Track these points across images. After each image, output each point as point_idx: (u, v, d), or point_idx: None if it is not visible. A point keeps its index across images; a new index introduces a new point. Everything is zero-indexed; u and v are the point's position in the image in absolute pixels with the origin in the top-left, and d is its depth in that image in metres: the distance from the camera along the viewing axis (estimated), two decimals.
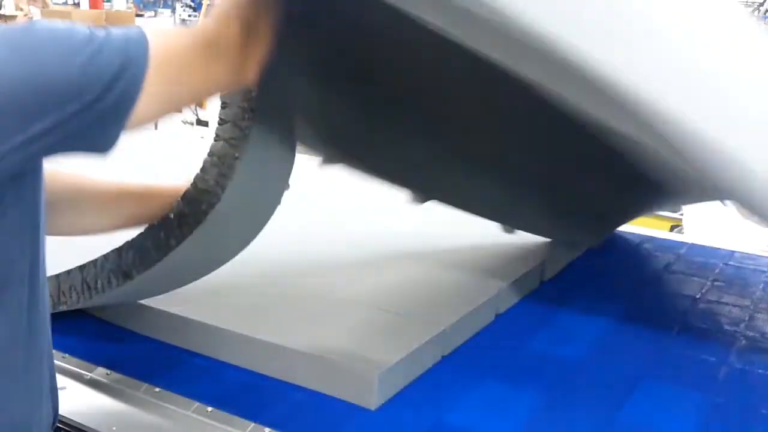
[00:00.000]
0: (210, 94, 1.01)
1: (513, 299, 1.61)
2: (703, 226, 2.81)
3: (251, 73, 0.98)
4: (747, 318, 1.62)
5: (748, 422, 1.22)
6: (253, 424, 1.12)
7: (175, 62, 0.87)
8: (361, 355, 1.23)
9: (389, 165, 1.55)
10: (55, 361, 1.29)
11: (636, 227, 2.39)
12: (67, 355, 1.31)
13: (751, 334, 1.54)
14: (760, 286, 1.82)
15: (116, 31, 0.81)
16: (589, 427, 1.18)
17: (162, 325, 1.38)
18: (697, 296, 1.73)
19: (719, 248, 2.10)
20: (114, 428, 1.12)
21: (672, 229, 3.14)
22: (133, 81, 0.80)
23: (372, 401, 1.18)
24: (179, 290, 1.41)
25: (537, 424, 1.17)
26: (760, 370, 1.39)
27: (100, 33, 0.79)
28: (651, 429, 1.17)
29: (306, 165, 1.41)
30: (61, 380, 1.23)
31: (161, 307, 1.38)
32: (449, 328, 1.37)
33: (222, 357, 1.31)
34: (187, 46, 0.90)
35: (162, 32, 0.87)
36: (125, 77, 0.79)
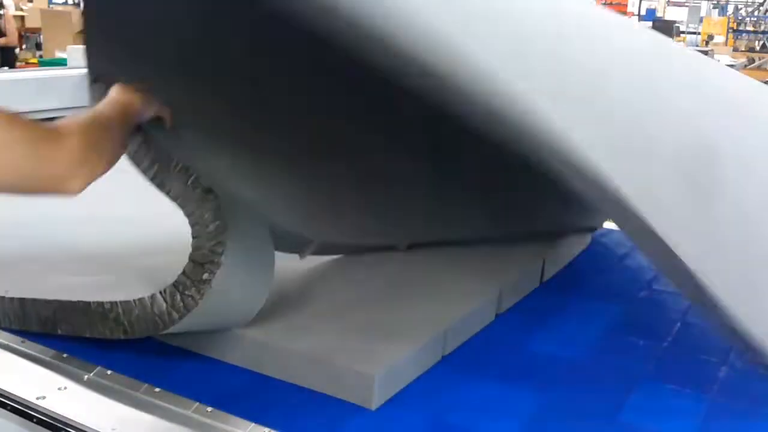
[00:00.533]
0: (24, 190, 1.02)
1: (513, 299, 1.61)
2: None
3: (77, 187, 1.01)
4: None
5: (748, 422, 1.22)
6: (253, 424, 1.12)
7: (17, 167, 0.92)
8: (361, 356, 1.23)
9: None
10: (56, 361, 1.30)
11: None
12: (67, 355, 1.31)
13: None
14: None
15: None
16: (588, 427, 1.18)
17: None
18: None
19: None
20: (114, 428, 1.12)
21: None
22: None
23: (372, 401, 1.18)
24: None
25: (537, 424, 1.17)
26: (760, 371, 1.39)
27: None
28: (651, 429, 1.17)
29: None
30: (61, 380, 1.24)
31: None
32: (449, 328, 1.37)
33: (222, 358, 1.31)
34: (15, 139, 0.93)
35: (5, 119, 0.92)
36: None
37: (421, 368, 1.30)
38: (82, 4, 1.52)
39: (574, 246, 1.93)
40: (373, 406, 1.18)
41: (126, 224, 1.79)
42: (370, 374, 1.18)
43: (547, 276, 1.77)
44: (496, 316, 1.55)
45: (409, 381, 1.26)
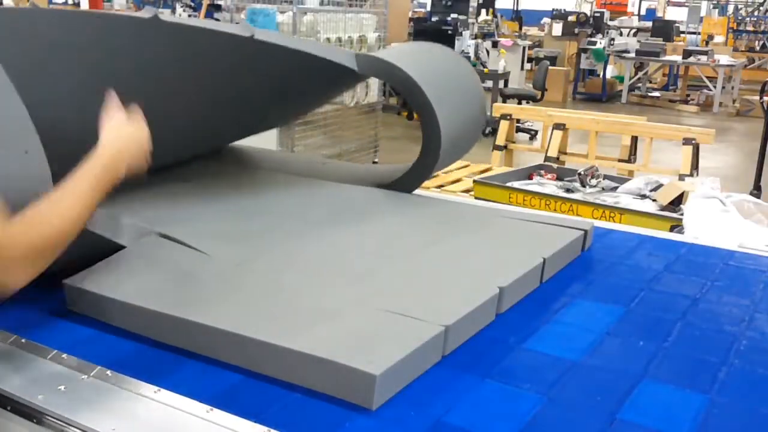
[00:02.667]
0: None
1: (513, 299, 1.61)
2: (703, 226, 2.81)
3: (17, 282, 1.09)
4: (747, 318, 1.62)
5: (748, 422, 1.22)
6: (253, 424, 1.12)
7: None
8: (361, 356, 1.23)
9: None
10: (56, 361, 1.30)
11: (636, 227, 2.39)
12: (67, 355, 1.31)
13: (751, 334, 1.54)
14: (760, 286, 1.82)
15: None
16: (588, 427, 1.18)
17: (163, 326, 1.38)
18: (697, 296, 1.73)
19: (719, 248, 2.10)
20: (114, 428, 1.12)
21: (672, 229, 3.13)
22: None
23: (372, 401, 1.18)
24: (179, 292, 1.40)
25: (537, 424, 1.17)
26: (760, 370, 1.39)
27: None
28: (651, 429, 1.17)
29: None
30: (61, 380, 1.24)
31: (161, 310, 1.38)
32: (449, 328, 1.37)
33: (222, 358, 1.31)
34: None
35: None
36: None
37: (421, 368, 1.30)
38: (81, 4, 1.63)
39: (574, 247, 1.93)
40: (374, 406, 1.18)
41: None
42: (370, 374, 1.18)
43: (547, 276, 1.77)
44: (496, 316, 1.55)
45: (410, 381, 1.26)
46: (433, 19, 10.94)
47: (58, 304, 1.51)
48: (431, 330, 1.34)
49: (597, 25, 14.37)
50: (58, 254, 1.15)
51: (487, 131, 9.83)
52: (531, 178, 4.71)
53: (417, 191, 2.32)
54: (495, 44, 11.22)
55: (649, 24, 17.40)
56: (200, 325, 1.34)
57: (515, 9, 21.22)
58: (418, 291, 1.53)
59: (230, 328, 1.31)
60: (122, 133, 1.31)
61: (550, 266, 1.78)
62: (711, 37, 16.72)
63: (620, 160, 5.83)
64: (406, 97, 2.42)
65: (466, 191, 4.79)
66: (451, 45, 10.23)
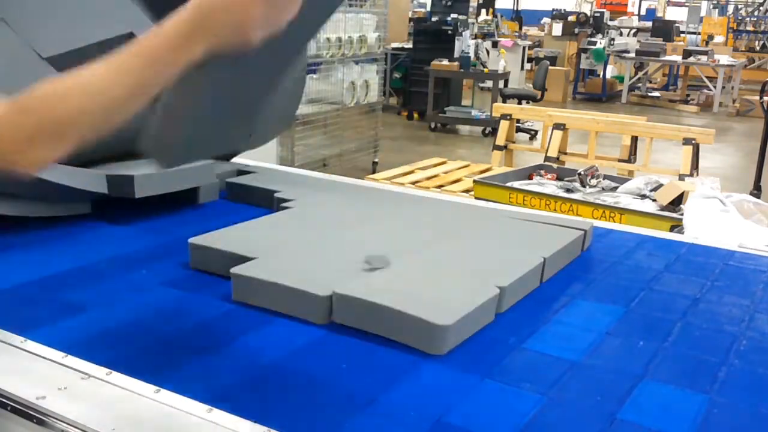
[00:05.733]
0: None
1: (513, 299, 1.61)
2: (703, 226, 2.81)
3: (29, 168, 0.94)
4: (747, 318, 1.62)
5: (748, 422, 1.22)
6: (253, 424, 1.12)
7: None
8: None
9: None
10: (56, 361, 1.30)
11: (636, 227, 2.39)
12: (67, 355, 1.31)
13: (751, 334, 1.54)
14: (760, 286, 1.82)
15: None
16: (588, 427, 1.18)
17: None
18: (697, 296, 1.73)
19: (719, 248, 2.10)
20: (114, 428, 1.12)
21: (672, 229, 3.13)
22: None
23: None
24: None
25: (537, 424, 1.17)
26: (760, 370, 1.39)
27: None
28: (651, 429, 1.17)
29: None
30: (61, 380, 1.24)
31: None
32: (450, 327, 1.37)
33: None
34: None
35: None
36: None
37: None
38: None
39: (574, 246, 1.93)
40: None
41: None
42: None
43: (547, 276, 1.77)
44: (496, 316, 1.55)
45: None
46: (433, 19, 10.94)
47: (58, 303, 1.52)
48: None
49: (597, 25, 14.40)
50: (96, 132, 0.95)
51: (487, 131, 9.85)
52: (531, 178, 4.71)
53: (417, 191, 2.32)
54: (495, 44, 11.23)
55: (649, 24, 17.42)
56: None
57: (515, 9, 21.24)
58: (418, 290, 1.53)
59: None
60: None
61: (550, 266, 1.78)
62: (711, 37, 16.74)
63: (620, 160, 5.83)
64: None
65: (466, 191, 4.79)
66: (451, 45, 10.25)
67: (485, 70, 10.17)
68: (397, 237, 1.87)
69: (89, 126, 0.95)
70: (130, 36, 2.14)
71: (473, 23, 12.05)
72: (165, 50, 0.93)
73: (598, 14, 14.84)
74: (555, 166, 4.98)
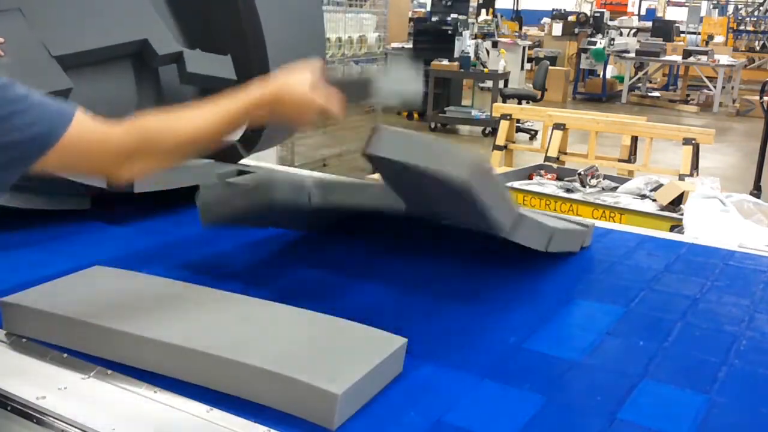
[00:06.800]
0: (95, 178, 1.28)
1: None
2: (703, 226, 2.81)
3: (124, 178, 1.18)
4: (747, 318, 1.62)
5: (748, 422, 1.22)
6: (253, 424, 1.12)
7: (78, 152, 1.11)
8: (355, 355, 1.23)
9: None
10: (56, 361, 1.30)
11: (636, 227, 2.39)
12: (67, 355, 1.31)
13: (751, 334, 1.54)
14: (760, 286, 1.82)
15: (51, 103, 1.09)
16: (588, 427, 1.18)
17: (116, 344, 1.30)
18: (697, 296, 1.73)
19: (719, 248, 2.10)
20: (114, 428, 1.12)
21: (672, 229, 3.13)
22: (38, 149, 1.06)
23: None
24: (133, 308, 1.36)
25: (536, 424, 1.17)
26: (760, 370, 1.39)
27: (36, 97, 1.07)
28: (651, 429, 1.17)
29: None
30: (61, 380, 1.24)
31: (119, 327, 1.30)
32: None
33: (181, 377, 1.25)
34: (100, 143, 1.13)
35: (88, 123, 1.12)
36: (34, 143, 1.06)
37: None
38: None
39: (579, 237, 1.93)
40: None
41: None
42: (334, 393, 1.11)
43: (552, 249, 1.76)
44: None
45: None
46: (433, 19, 10.93)
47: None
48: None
49: (597, 25, 14.38)
50: (180, 160, 1.25)
51: (487, 131, 9.85)
52: (531, 178, 4.71)
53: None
54: (495, 44, 11.23)
55: (649, 24, 17.40)
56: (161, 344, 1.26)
57: (515, 9, 21.23)
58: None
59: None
60: (298, 78, 1.29)
61: (555, 242, 1.75)
62: (711, 37, 16.72)
63: (620, 160, 5.83)
64: None
65: None
66: (451, 45, 10.24)
67: (485, 70, 10.16)
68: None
69: (187, 150, 1.24)
70: (144, 42, 2.13)
71: (473, 23, 12.04)
72: (243, 114, 1.26)
73: (598, 14, 14.82)
74: (555, 166, 4.98)
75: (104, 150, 1.14)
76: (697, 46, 15.16)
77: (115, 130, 1.15)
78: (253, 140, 2.53)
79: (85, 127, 1.11)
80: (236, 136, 1.79)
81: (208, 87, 2.33)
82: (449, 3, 10.83)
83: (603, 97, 13.37)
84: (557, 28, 15.16)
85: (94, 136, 1.13)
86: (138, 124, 1.18)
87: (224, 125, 1.25)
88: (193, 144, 1.23)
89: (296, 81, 1.28)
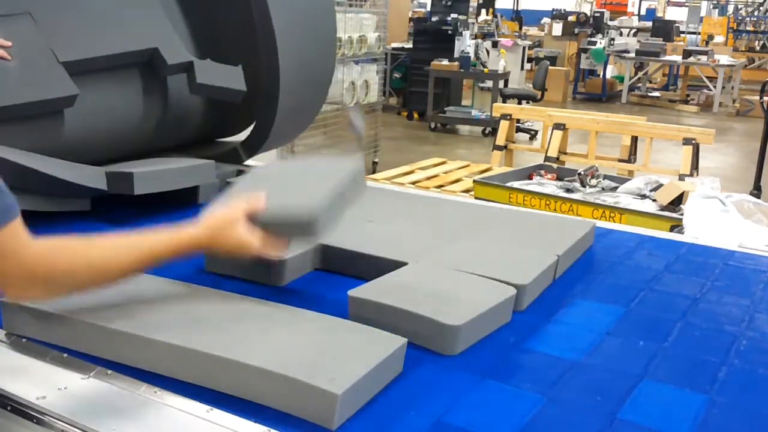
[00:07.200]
0: None
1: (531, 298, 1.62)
2: (703, 226, 2.81)
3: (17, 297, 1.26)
4: (747, 318, 1.62)
5: (748, 422, 1.22)
6: (253, 424, 1.12)
7: None
8: (353, 355, 1.23)
9: None
10: (56, 361, 1.30)
11: (636, 227, 2.39)
12: (67, 355, 1.31)
13: (751, 334, 1.54)
14: (760, 286, 1.82)
15: (3, 197, 1.12)
16: (588, 427, 1.18)
17: (116, 344, 1.30)
18: (697, 296, 1.73)
19: (719, 248, 2.10)
20: (114, 428, 1.12)
21: (672, 229, 3.13)
22: None
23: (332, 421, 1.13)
24: (133, 308, 1.36)
25: (537, 424, 1.17)
26: (760, 370, 1.39)
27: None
28: (651, 429, 1.17)
29: None
30: (61, 380, 1.24)
31: (119, 327, 1.30)
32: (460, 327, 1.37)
33: (181, 377, 1.25)
34: (14, 257, 1.12)
35: (20, 236, 1.13)
36: None
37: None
38: None
39: (584, 242, 1.93)
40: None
41: None
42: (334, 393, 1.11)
43: (560, 273, 1.77)
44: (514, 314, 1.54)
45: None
46: (433, 19, 10.93)
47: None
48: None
49: (597, 25, 14.39)
50: (86, 292, 1.25)
51: (487, 131, 9.85)
52: (531, 178, 4.72)
53: (416, 191, 2.32)
54: (495, 44, 11.23)
55: (649, 24, 17.41)
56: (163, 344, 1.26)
57: (515, 9, 21.23)
58: (434, 291, 1.51)
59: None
60: (231, 221, 1.31)
61: (563, 263, 1.78)
62: (711, 37, 16.73)
63: (620, 160, 5.83)
64: None
65: (466, 191, 4.79)
66: (451, 45, 10.25)
67: (485, 70, 10.16)
68: (407, 237, 1.85)
69: (85, 288, 1.24)
70: (155, 51, 2.11)
71: (473, 23, 12.05)
72: (169, 257, 1.28)
73: (598, 14, 14.83)
74: (555, 166, 4.98)
75: (14, 265, 1.13)
76: (697, 46, 15.16)
77: (32, 252, 1.14)
78: (254, 145, 2.52)
79: (12, 237, 1.11)
80: None
81: (217, 97, 2.32)
82: (449, 3, 10.83)
83: (603, 97, 13.38)
84: (557, 28, 15.17)
85: (12, 248, 1.12)
86: (55, 253, 1.18)
87: (145, 266, 1.27)
88: (105, 281, 1.24)
89: (230, 225, 1.30)
